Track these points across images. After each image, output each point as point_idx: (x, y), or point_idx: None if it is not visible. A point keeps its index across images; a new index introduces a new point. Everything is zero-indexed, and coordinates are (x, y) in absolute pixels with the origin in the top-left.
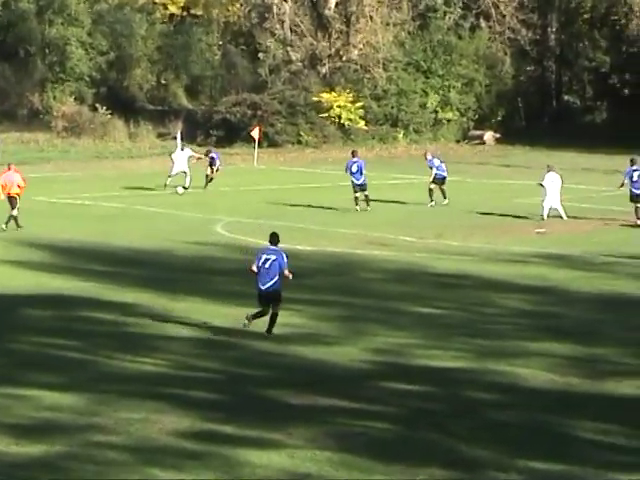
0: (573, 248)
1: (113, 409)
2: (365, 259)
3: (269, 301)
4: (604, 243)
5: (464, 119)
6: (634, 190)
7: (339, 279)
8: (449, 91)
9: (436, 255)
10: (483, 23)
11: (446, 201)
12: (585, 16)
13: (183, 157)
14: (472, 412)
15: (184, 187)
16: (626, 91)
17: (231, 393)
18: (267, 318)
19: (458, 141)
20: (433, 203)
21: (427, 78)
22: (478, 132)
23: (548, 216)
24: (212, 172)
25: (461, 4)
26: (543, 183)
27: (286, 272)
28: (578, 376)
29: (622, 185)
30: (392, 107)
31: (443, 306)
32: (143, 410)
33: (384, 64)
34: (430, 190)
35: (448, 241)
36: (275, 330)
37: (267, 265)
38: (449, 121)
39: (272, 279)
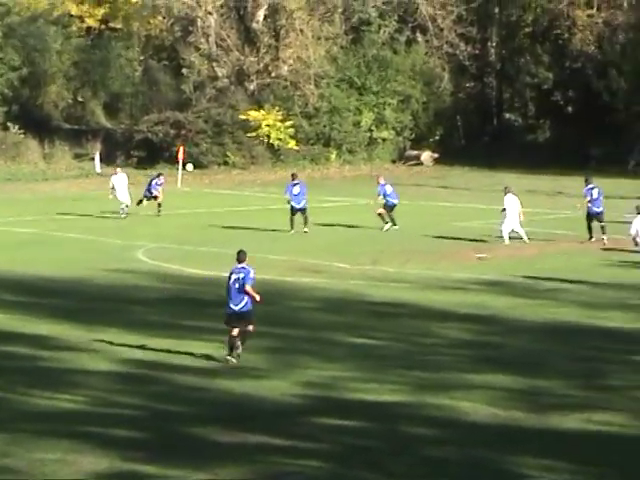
0: (515, 274)
1: (26, 449)
2: (296, 287)
3: (241, 322)
4: (547, 269)
5: (400, 138)
6: (594, 209)
7: (268, 308)
8: (384, 109)
9: (372, 282)
10: (420, 37)
11: (397, 227)
12: (526, 30)
13: (123, 183)
14: (410, 448)
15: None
16: (570, 109)
17: (153, 431)
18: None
19: (394, 161)
20: (388, 226)
21: (361, 95)
22: (415, 152)
23: (510, 238)
24: (159, 194)
25: (396, 17)
26: (505, 207)
27: (247, 287)
28: (521, 410)
29: (584, 204)
30: (324, 126)
31: (379, 336)
32: (59, 450)
33: (315, 80)
34: (380, 214)
35: (384, 267)
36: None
37: (237, 285)
38: (384, 140)
39: (243, 299)
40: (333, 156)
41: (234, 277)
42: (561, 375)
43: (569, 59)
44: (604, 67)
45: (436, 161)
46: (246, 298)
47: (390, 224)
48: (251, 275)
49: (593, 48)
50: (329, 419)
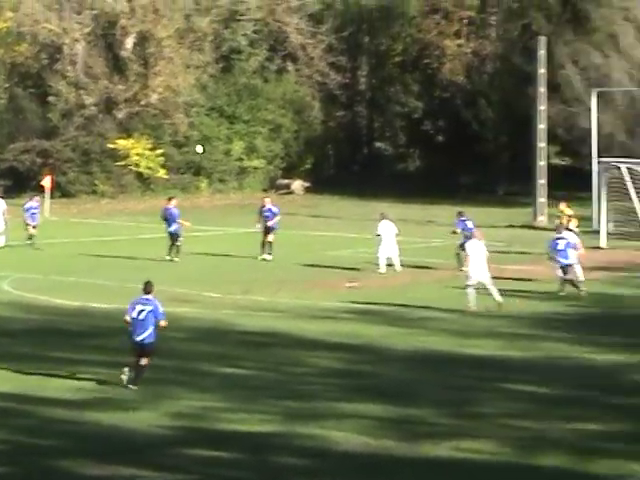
0: (387, 302)
1: None
2: (167, 317)
3: (140, 352)
4: (418, 297)
5: (271, 167)
6: None
7: None
8: (255, 137)
9: (243, 312)
10: (290, 66)
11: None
12: (396, 59)
13: None
14: (280, 479)
15: None
16: (439, 138)
17: (18, 465)
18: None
19: (265, 190)
20: (271, 257)
21: (231, 124)
22: (286, 181)
23: (387, 265)
24: (34, 227)
25: (267, 46)
26: (379, 232)
27: (162, 323)
28: (392, 438)
29: (455, 232)
30: (194, 154)
31: (249, 366)
32: None
33: (185, 109)
34: (270, 243)
35: (256, 297)
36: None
37: (141, 316)
38: (255, 169)
39: (146, 330)
40: (203, 185)
41: (139, 308)
42: (432, 403)
43: (439, 88)
44: (473, 97)
45: (307, 190)
46: (150, 330)
47: (270, 254)
48: (160, 310)
49: (462, 78)
50: (199, 450)
